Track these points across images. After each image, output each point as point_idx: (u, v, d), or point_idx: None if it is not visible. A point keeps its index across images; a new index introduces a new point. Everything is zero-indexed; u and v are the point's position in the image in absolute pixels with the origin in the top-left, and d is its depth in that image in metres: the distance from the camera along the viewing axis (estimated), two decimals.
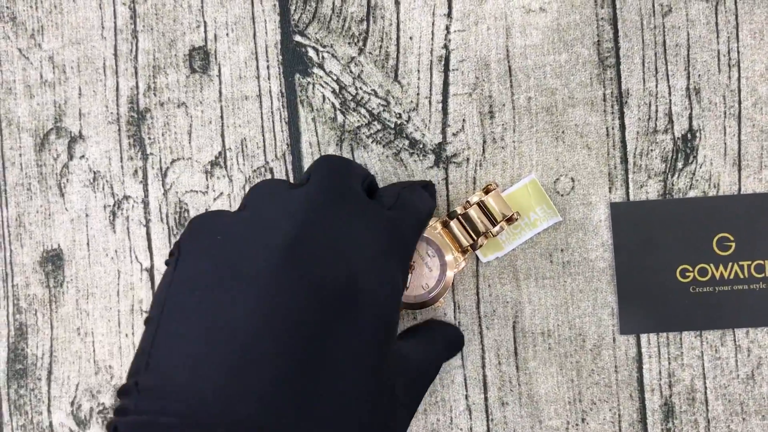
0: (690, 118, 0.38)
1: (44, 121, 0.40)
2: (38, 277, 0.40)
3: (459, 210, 0.36)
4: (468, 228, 0.36)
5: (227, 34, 0.39)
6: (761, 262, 0.38)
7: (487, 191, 0.36)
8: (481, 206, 0.36)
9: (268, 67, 0.39)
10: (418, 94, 0.39)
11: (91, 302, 0.40)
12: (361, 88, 0.39)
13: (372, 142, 0.39)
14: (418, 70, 0.39)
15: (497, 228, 0.36)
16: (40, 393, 0.40)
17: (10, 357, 0.40)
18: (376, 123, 0.39)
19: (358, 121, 0.39)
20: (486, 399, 0.38)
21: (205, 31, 0.39)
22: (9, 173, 0.40)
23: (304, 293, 0.23)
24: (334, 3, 0.39)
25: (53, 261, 0.40)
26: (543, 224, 0.37)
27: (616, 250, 0.38)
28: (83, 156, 0.40)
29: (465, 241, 0.36)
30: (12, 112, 0.40)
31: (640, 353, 0.38)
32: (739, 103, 0.38)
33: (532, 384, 0.38)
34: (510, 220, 0.36)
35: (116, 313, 0.39)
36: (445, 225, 0.36)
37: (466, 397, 0.38)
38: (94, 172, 0.40)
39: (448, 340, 0.37)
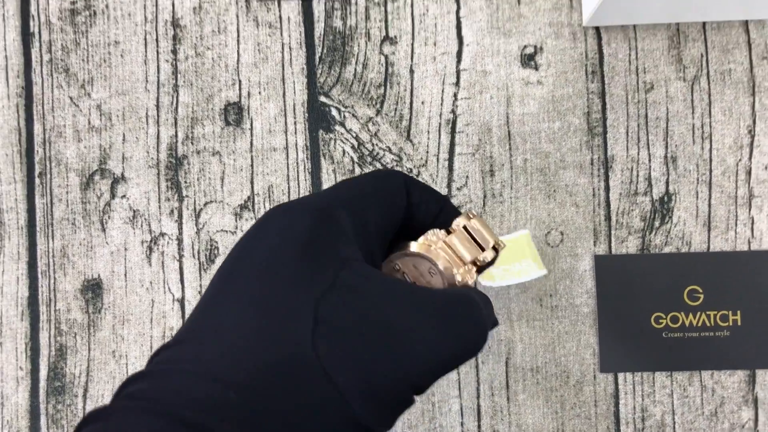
0: (667, 183, 0.43)
1: (90, 163, 0.44)
2: (79, 303, 0.44)
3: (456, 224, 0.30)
4: (476, 238, 0.30)
5: (260, 92, 0.44)
6: (726, 312, 0.43)
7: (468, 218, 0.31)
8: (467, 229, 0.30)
9: (295, 123, 0.44)
10: (427, 152, 0.43)
11: (126, 328, 0.44)
12: (377, 145, 0.44)
13: None
14: (428, 131, 0.44)
15: (490, 253, 0.30)
16: (75, 408, 0.44)
17: (50, 375, 0.44)
18: None
19: None
20: (479, 427, 0.43)
21: (240, 89, 0.44)
22: (56, 209, 0.44)
23: None
24: (356, 69, 0.44)
25: (93, 289, 0.44)
26: (530, 275, 0.41)
27: (599, 297, 0.43)
28: (124, 196, 0.44)
29: (468, 255, 0.29)
30: (61, 153, 0.44)
31: (617, 390, 0.42)
32: (710, 171, 0.43)
33: (521, 414, 0.43)
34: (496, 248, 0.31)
35: (149, 338, 0.44)
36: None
37: (462, 424, 0.43)
38: (134, 211, 0.44)
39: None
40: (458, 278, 0.28)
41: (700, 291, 0.43)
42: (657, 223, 0.43)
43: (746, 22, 0.43)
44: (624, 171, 0.43)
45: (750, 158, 0.43)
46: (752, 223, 0.43)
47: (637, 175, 0.43)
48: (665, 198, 0.43)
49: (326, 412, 0.21)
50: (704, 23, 0.43)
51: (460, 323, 0.24)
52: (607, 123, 0.43)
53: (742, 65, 0.43)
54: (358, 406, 0.21)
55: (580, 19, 0.43)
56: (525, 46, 0.43)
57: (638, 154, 0.43)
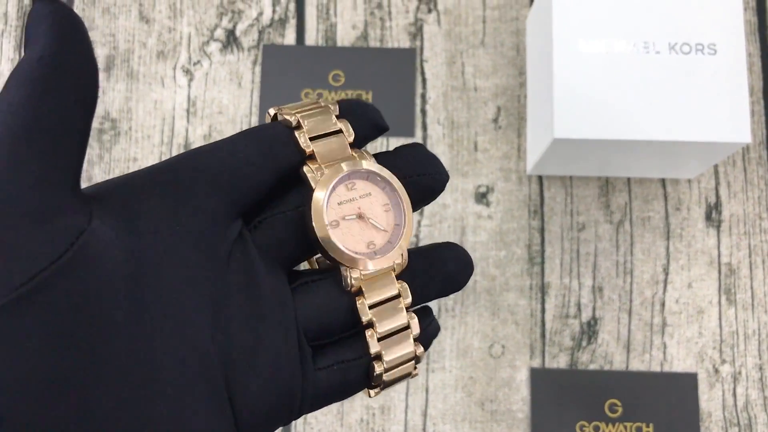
0: (594, 309, 0.51)
1: None
2: None
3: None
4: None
5: None
6: (641, 424, 0.49)
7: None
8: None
9: None
10: None
11: None
12: None
13: None
14: None
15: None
16: None
17: None
18: None
19: None
20: None
21: None
22: None
23: None
24: None
25: None
26: None
27: (533, 405, 0.49)
28: None
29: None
30: None
31: None
32: (631, 301, 0.51)
33: None
34: None
35: None
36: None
37: None
38: None
39: None
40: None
41: (619, 404, 0.50)
42: (584, 343, 0.50)
43: (663, 180, 0.52)
44: (558, 296, 0.51)
45: (664, 292, 0.51)
46: (665, 348, 0.50)
47: (569, 301, 0.51)
48: (592, 322, 0.50)
49: None
50: (629, 178, 0.52)
51: None
52: (545, 255, 0.51)
53: (659, 214, 0.51)
54: None
55: (526, 168, 0.52)
56: (479, 186, 0.52)
57: (570, 282, 0.51)
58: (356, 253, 0.22)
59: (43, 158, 0.18)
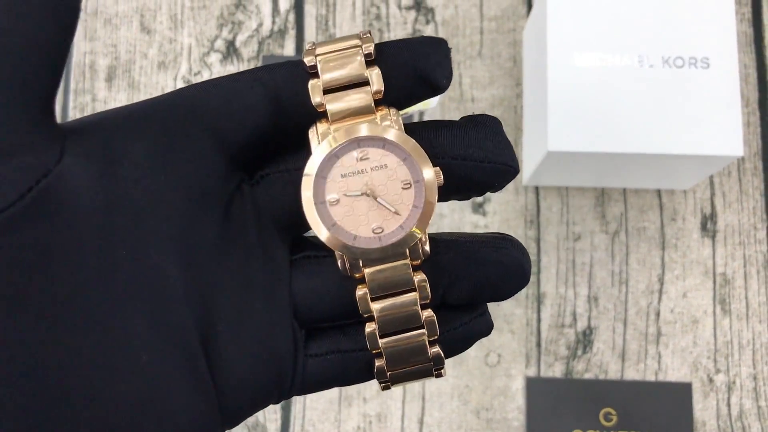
0: (589, 318, 0.51)
1: None
2: None
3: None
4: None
5: None
6: None
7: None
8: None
9: None
10: None
11: None
12: None
13: None
14: None
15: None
16: None
17: None
18: None
19: None
20: None
21: None
22: None
23: None
24: None
25: None
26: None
27: (528, 413, 0.50)
28: None
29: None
30: None
31: None
32: (626, 311, 0.51)
33: None
34: None
35: None
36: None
37: None
38: None
39: None
40: (428, 174, 0.19)
41: (614, 413, 0.50)
42: (579, 352, 0.51)
43: (659, 191, 0.52)
44: (553, 306, 0.51)
45: (659, 302, 0.51)
46: (659, 357, 0.51)
47: (565, 310, 0.51)
48: (587, 331, 0.51)
49: None
50: (624, 189, 0.52)
51: None
52: (541, 264, 0.52)
53: (654, 224, 0.52)
54: None
55: (522, 179, 0.52)
56: None
57: (566, 292, 0.51)
58: (355, 238, 0.19)
59: (3, 81, 0.15)
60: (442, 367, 0.20)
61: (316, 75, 0.18)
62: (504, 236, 0.20)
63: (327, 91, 0.18)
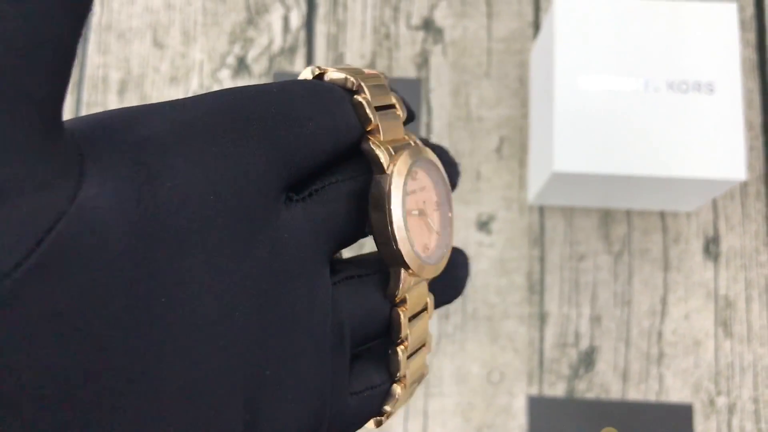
0: (591, 338, 0.51)
1: None
2: None
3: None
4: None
5: None
6: None
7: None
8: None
9: None
10: None
11: None
12: None
13: None
14: None
15: None
16: None
17: None
18: None
19: None
20: None
21: None
22: None
23: None
24: None
25: None
26: None
27: (530, 431, 0.50)
28: None
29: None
30: None
31: None
32: (628, 332, 0.51)
33: None
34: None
35: None
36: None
37: None
38: None
39: None
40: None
41: None
42: (582, 372, 0.51)
43: (663, 213, 0.53)
44: (556, 325, 0.51)
45: (661, 323, 0.51)
46: (661, 378, 0.51)
47: (567, 330, 0.51)
48: (590, 351, 0.51)
49: None
50: (628, 210, 0.53)
51: None
52: (545, 284, 0.52)
53: (657, 246, 0.52)
54: None
55: (527, 198, 0.53)
56: (481, 214, 0.53)
57: (569, 311, 0.52)
58: (424, 250, 0.18)
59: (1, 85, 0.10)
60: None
61: (358, 93, 0.18)
62: (455, 247, 0.21)
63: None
